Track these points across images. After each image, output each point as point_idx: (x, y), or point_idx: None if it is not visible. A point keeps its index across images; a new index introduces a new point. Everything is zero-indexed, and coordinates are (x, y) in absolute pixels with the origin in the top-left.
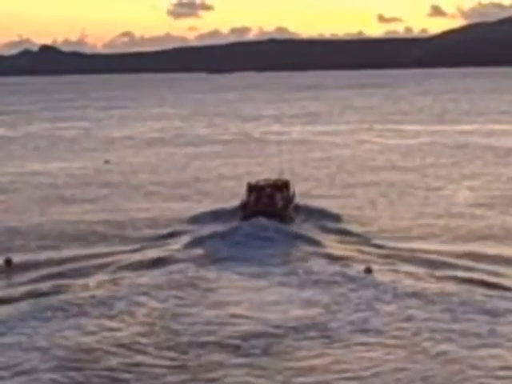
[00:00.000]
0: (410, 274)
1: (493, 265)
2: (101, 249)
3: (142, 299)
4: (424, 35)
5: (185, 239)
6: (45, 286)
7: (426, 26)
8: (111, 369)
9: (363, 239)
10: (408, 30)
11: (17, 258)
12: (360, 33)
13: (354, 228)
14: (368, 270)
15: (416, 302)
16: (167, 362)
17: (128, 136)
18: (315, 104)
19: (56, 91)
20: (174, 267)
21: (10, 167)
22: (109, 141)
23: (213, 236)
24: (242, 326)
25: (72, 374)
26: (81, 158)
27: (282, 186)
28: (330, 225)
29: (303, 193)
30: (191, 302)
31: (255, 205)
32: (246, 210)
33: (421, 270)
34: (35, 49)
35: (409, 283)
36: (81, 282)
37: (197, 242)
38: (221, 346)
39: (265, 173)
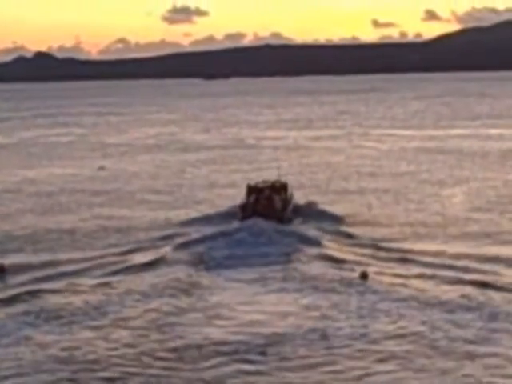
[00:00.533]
0: (406, 277)
1: (491, 265)
2: (94, 253)
3: (137, 304)
4: (419, 40)
5: (181, 240)
6: (36, 289)
7: (420, 30)
8: (105, 378)
9: (359, 241)
10: (403, 34)
11: (10, 262)
12: (355, 38)
13: (351, 230)
14: (364, 276)
15: (414, 306)
16: (161, 371)
17: (123, 142)
18: (310, 109)
19: (51, 97)
20: (170, 269)
21: (4, 174)
22: (104, 147)
23: (211, 236)
24: (239, 334)
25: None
26: (76, 165)
27: (281, 188)
28: (328, 226)
29: (299, 198)
30: (186, 308)
31: (254, 206)
32: (245, 211)
33: (417, 272)
34: (30, 55)
35: (405, 287)
36: (74, 286)
37: (195, 243)
38: (217, 352)
39: (260, 177)
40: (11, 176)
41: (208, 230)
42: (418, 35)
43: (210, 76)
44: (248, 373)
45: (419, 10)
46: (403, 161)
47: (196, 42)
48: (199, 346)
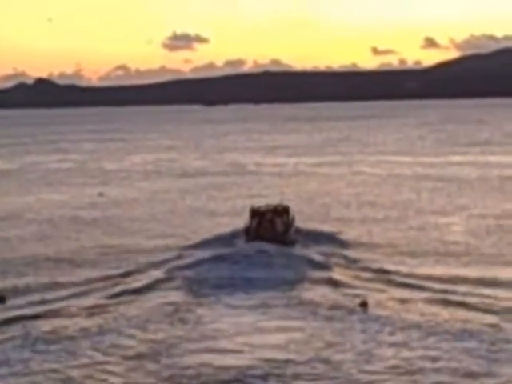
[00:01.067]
0: (406, 301)
1: (490, 289)
2: (93, 274)
3: (134, 331)
4: (418, 67)
5: (181, 264)
6: (33, 314)
7: (419, 57)
8: None
9: (361, 264)
10: (402, 61)
11: (9, 287)
12: (354, 65)
13: (352, 253)
14: (363, 304)
15: (415, 334)
16: None
17: (122, 168)
18: (310, 136)
19: (51, 124)
20: (169, 293)
21: (4, 200)
22: (103, 173)
23: (212, 260)
24: (240, 360)
25: None
26: (75, 191)
27: (283, 212)
28: (329, 250)
29: (300, 222)
30: (184, 334)
31: (257, 229)
32: (249, 234)
33: (417, 296)
34: (31, 82)
35: (406, 313)
36: (74, 309)
37: (195, 267)
38: (218, 382)
39: (260, 203)
40: (11, 202)
41: (209, 253)
42: (418, 62)
43: (210, 102)
44: None
45: (418, 37)
46: (403, 187)
47: (196, 69)
48: (198, 374)
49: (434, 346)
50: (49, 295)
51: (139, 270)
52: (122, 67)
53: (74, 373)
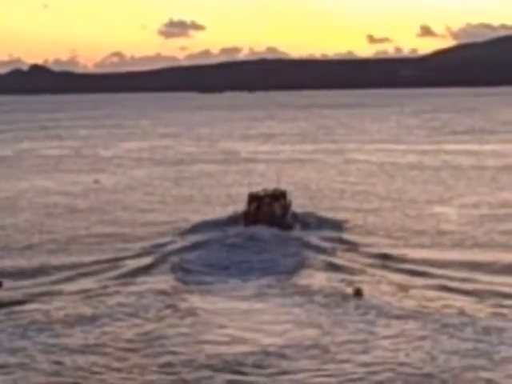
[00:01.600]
0: (401, 286)
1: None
2: (86, 259)
3: (127, 317)
4: (414, 55)
5: (176, 248)
6: (28, 298)
7: (415, 46)
8: None
9: (357, 247)
10: (398, 49)
11: (4, 270)
12: (350, 53)
13: (349, 237)
14: (358, 292)
15: (411, 322)
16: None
17: (117, 155)
18: (305, 123)
19: (46, 110)
20: (164, 277)
21: None
22: (98, 160)
23: (210, 243)
24: (234, 348)
25: None
26: (70, 178)
27: (280, 196)
28: (326, 233)
29: (297, 207)
30: (177, 321)
31: (256, 213)
32: (248, 219)
33: (414, 282)
34: (26, 68)
35: (401, 299)
36: (66, 294)
37: (191, 250)
38: (213, 368)
39: (255, 189)
40: (5, 188)
41: (206, 238)
42: (414, 51)
43: (206, 89)
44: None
45: (414, 25)
46: (398, 175)
47: (192, 56)
48: (191, 361)
49: (429, 333)
50: (43, 279)
51: (134, 256)
52: (118, 54)
53: (66, 358)
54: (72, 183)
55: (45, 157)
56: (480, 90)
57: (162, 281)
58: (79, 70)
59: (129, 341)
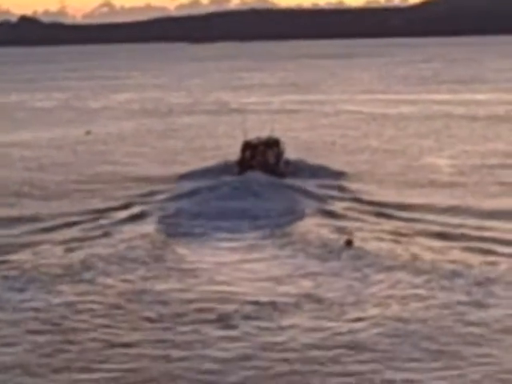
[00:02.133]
0: (393, 233)
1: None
2: (75, 208)
3: (114, 269)
4: (404, 4)
5: (168, 196)
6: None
7: None
8: (87, 349)
9: (350, 194)
10: None
11: None
12: (340, 2)
13: (340, 184)
14: (348, 243)
15: (403, 272)
16: (143, 337)
17: (108, 106)
18: (296, 74)
19: (35, 62)
20: (155, 226)
21: None
22: (89, 112)
23: (204, 190)
24: (224, 301)
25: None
26: (61, 129)
27: (273, 144)
28: (319, 180)
29: (290, 154)
30: (166, 273)
31: (250, 161)
32: (242, 166)
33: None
34: (14, 20)
35: (393, 249)
36: (52, 244)
37: (183, 198)
38: (203, 320)
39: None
40: None
41: (199, 184)
42: (404, 0)
43: (196, 40)
44: (237, 339)
45: None
46: (389, 125)
47: (181, 6)
48: (180, 314)
49: (422, 284)
50: (30, 227)
51: (124, 204)
52: (107, 4)
53: (54, 312)
54: (62, 135)
55: (34, 109)
56: (471, 40)
57: (149, 231)
58: (69, 20)
59: (115, 295)
